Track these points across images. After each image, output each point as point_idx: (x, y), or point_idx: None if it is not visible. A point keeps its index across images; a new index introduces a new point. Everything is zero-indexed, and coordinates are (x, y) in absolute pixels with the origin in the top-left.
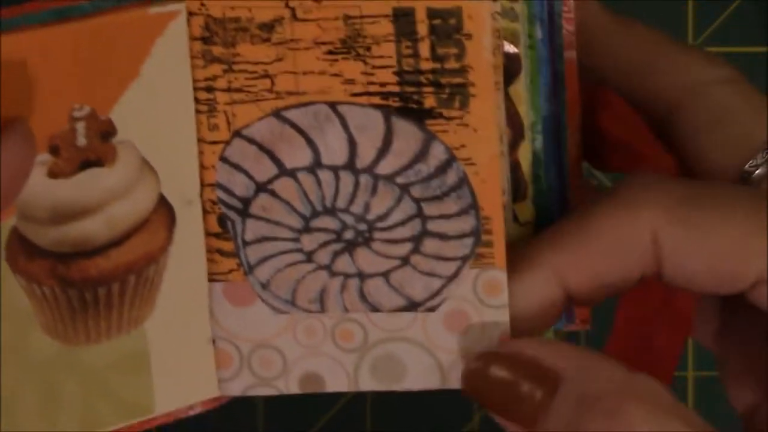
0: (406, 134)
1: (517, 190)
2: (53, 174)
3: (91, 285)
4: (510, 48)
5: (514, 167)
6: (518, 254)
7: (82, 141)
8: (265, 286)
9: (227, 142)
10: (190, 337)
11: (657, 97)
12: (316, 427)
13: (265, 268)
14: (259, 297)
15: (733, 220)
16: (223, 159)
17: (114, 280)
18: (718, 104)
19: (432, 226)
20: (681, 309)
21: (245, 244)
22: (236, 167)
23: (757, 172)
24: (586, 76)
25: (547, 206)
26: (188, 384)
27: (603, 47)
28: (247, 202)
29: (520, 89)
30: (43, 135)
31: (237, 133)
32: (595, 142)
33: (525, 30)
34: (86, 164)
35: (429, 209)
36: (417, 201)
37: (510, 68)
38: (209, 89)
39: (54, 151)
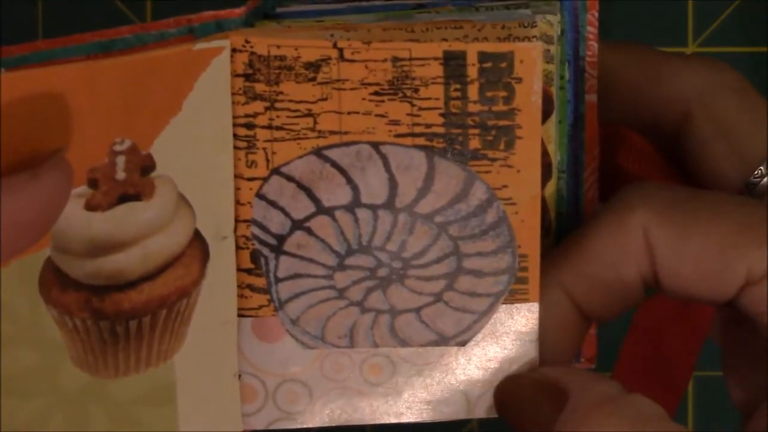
0: (448, 174)
1: (542, 228)
2: (91, 207)
3: (123, 318)
4: (545, 89)
5: (541, 205)
6: None
7: (121, 175)
8: (294, 322)
9: (265, 179)
10: (217, 372)
11: (664, 111)
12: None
13: (296, 305)
14: (288, 332)
15: (720, 222)
16: (260, 196)
17: (146, 313)
18: (724, 114)
19: (468, 263)
20: (700, 311)
21: (277, 280)
22: (273, 204)
23: (762, 182)
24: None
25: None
26: (213, 417)
27: (603, 71)
28: (282, 239)
29: (551, 129)
30: (82, 168)
31: (275, 170)
32: (615, 181)
33: (558, 71)
34: (124, 198)
35: (466, 247)
36: (454, 239)
37: (544, 108)
38: (249, 126)
39: (93, 184)
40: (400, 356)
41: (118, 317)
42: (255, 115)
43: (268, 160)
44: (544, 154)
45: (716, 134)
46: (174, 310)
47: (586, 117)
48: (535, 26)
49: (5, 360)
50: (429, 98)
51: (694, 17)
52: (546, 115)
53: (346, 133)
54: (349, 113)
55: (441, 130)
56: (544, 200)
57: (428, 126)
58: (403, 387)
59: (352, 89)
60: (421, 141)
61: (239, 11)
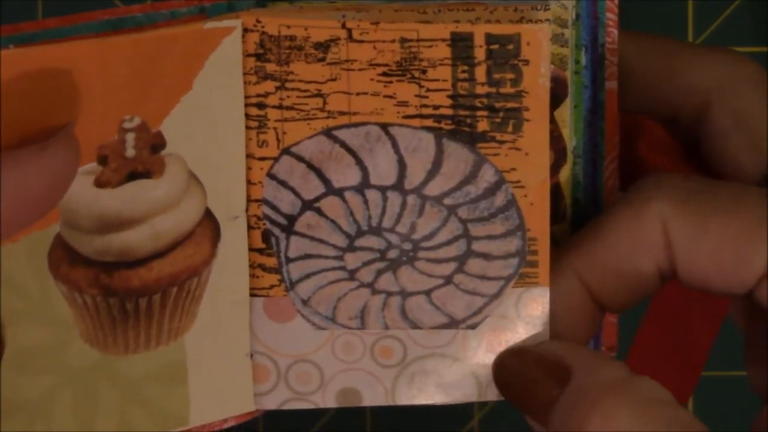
0: (457, 157)
1: (556, 212)
2: (100, 183)
3: (133, 295)
4: (559, 73)
5: (555, 189)
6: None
7: (131, 152)
8: (305, 302)
9: (276, 159)
10: (229, 351)
11: (684, 101)
12: (316, 426)
13: (306, 285)
14: (299, 313)
15: (738, 214)
16: (271, 175)
17: (156, 291)
18: (743, 107)
19: (477, 246)
20: (717, 298)
21: (288, 260)
22: (283, 184)
23: None
24: (624, 104)
25: (582, 224)
26: (224, 397)
27: (622, 60)
28: (292, 219)
29: (565, 114)
30: (92, 144)
31: (286, 150)
32: (634, 171)
33: (573, 55)
34: (134, 175)
35: (475, 230)
36: (464, 222)
37: (557, 92)
38: (260, 105)
39: (102, 160)
40: (411, 338)
41: (128, 294)
42: (266, 94)
43: (278, 140)
44: (559, 138)
45: (735, 126)
46: (184, 289)
47: (606, 104)
48: (548, 9)
49: (14, 335)
50: (437, 80)
51: (694, 17)
52: (560, 100)
53: (355, 113)
54: (357, 94)
55: (449, 111)
56: (558, 185)
57: (436, 107)
58: (414, 369)
59: (360, 70)
60: (429, 122)
61: None
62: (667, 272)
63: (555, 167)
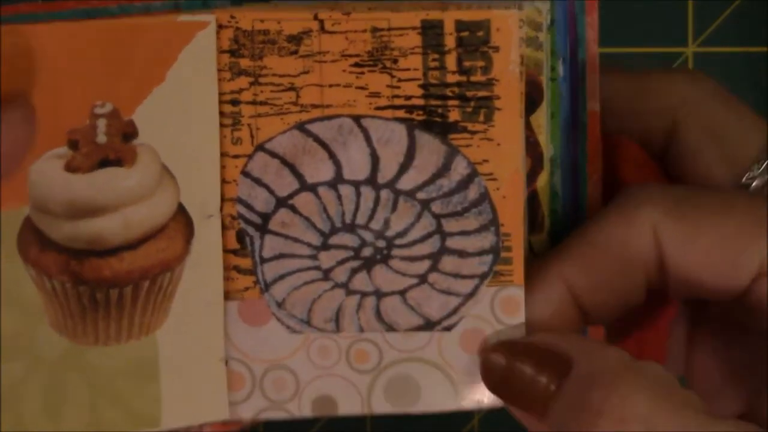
0: (429, 148)
1: (534, 221)
2: (71, 168)
3: (104, 285)
4: (534, 77)
5: (532, 197)
6: (530, 272)
7: (102, 138)
8: (280, 304)
9: (250, 156)
10: (203, 354)
11: (653, 123)
12: (316, 427)
13: (281, 286)
14: (274, 316)
15: (730, 215)
16: (245, 173)
17: (127, 283)
18: (711, 120)
19: (451, 242)
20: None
21: (263, 260)
22: (257, 182)
23: (754, 184)
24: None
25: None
26: (198, 402)
27: None
28: (266, 217)
29: (541, 119)
30: (62, 128)
31: (260, 147)
32: (614, 190)
33: (548, 61)
34: (105, 162)
35: (449, 225)
36: (437, 217)
37: (533, 96)
38: (234, 102)
39: (73, 145)
40: (386, 342)
41: (99, 284)
42: (240, 91)
43: (252, 137)
44: (536, 144)
45: (705, 139)
46: (157, 283)
47: (588, 125)
48: (521, 9)
49: None
50: (408, 69)
51: (694, 17)
52: (535, 104)
53: (327, 106)
54: (330, 86)
55: (420, 102)
56: (536, 192)
57: (408, 98)
58: (390, 375)
59: (333, 61)
60: (401, 113)
61: None
62: (656, 280)
63: (532, 174)
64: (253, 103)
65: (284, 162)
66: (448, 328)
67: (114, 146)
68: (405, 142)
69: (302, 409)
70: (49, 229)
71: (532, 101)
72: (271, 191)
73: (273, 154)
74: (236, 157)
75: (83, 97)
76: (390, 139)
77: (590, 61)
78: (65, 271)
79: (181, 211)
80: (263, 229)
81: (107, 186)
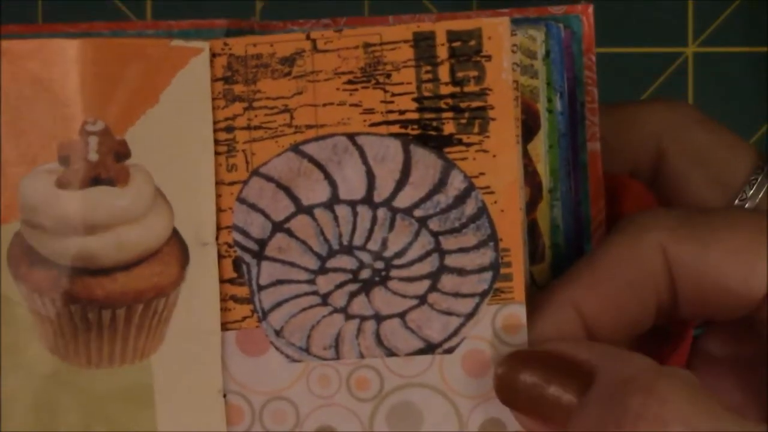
0: (425, 163)
1: (535, 252)
2: (62, 184)
3: (96, 305)
4: (530, 104)
5: (533, 226)
6: (536, 299)
7: (93, 156)
8: (278, 333)
9: (245, 182)
10: (200, 385)
11: (639, 154)
12: None
13: (279, 314)
14: (272, 345)
15: (738, 231)
16: (241, 199)
17: (120, 304)
18: (696, 145)
19: (450, 260)
20: None
21: (260, 288)
22: (253, 207)
23: (746, 206)
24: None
25: None
26: None
27: None
28: (263, 243)
29: (539, 147)
30: (54, 144)
31: (255, 172)
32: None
33: (544, 92)
34: (97, 181)
35: (447, 243)
36: (435, 234)
37: (529, 124)
38: (229, 129)
39: (64, 161)
40: (387, 367)
41: (91, 303)
42: (234, 117)
43: (247, 162)
44: (534, 173)
45: (692, 165)
46: (151, 308)
47: (589, 166)
48: (515, 35)
49: None
50: (401, 83)
51: (694, 17)
52: (532, 132)
53: (322, 126)
54: (324, 105)
55: (415, 115)
56: (536, 222)
57: (402, 112)
58: (392, 402)
59: (326, 80)
60: (395, 129)
61: (221, 22)
62: (666, 304)
63: (531, 204)
64: (248, 128)
65: (279, 185)
66: (450, 351)
67: (106, 165)
68: (400, 158)
69: None
70: (40, 245)
71: (528, 129)
72: (266, 216)
73: (268, 178)
74: (231, 184)
75: (74, 112)
76: (385, 156)
77: (590, 102)
78: (56, 289)
79: (176, 237)
80: (260, 255)
81: (100, 204)
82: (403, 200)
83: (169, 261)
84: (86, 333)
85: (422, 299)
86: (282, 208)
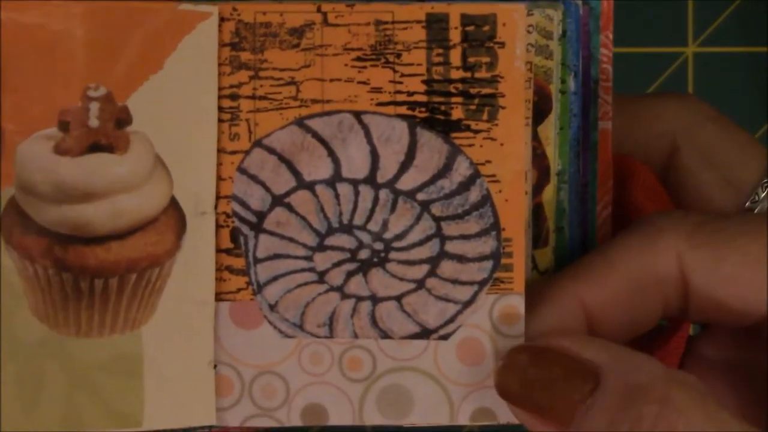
0: (431, 147)
1: (538, 236)
2: (60, 150)
3: (88, 274)
4: (543, 86)
5: (537, 210)
6: (540, 290)
7: (94, 122)
8: (273, 307)
9: (247, 152)
10: (191, 356)
11: (652, 150)
12: (316, 427)
13: (274, 288)
14: (266, 319)
15: (753, 239)
16: (241, 170)
17: (113, 274)
18: (709, 144)
19: (451, 247)
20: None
21: (256, 260)
22: (254, 178)
23: (757, 209)
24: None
25: (569, 260)
26: (183, 405)
27: None
28: (261, 216)
29: (549, 131)
30: (54, 108)
31: (257, 143)
32: (626, 214)
33: (558, 73)
34: (96, 147)
35: (448, 229)
36: (437, 219)
37: (541, 107)
38: (233, 96)
39: (63, 126)
40: (380, 349)
41: (83, 272)
42: (239, 85)
43: (250, 132)
44: (543, 156)
45: (705, 164)
46: (144, 278)
47: (599, 145)
48: (531, 15)
49: None
50: (411, 64)
51: (694, 17)
52: (543, 114)
53: (328, 101)
54: (331, 80)
55: (423, 98)
56: (541, 206)
57: (410, 94)
58: (383, 385)
59: (335, 55)
60: (403, 110)
61: None
62: (674, 305)
63: (538, 187)
64: (253, 97)
65: (282, 159)
66: (445, 337)
67: (106, 131)
68: (406, 140)
69: (291, 417)
70: (34, 211)
71: (539, 111)
72: (267, 189)
73: (271, 150)
74: (233, 153)
75: (76, 77)
76: (391, 136)
77: (604, 80)
78: (48, 256)
79: (174, 206)
80: (258, 228)
81: (97, 172)
82: (406, 183)
83: (164, 230)
84: (77, 302)
85: (420, 284)
86: (283, 182)
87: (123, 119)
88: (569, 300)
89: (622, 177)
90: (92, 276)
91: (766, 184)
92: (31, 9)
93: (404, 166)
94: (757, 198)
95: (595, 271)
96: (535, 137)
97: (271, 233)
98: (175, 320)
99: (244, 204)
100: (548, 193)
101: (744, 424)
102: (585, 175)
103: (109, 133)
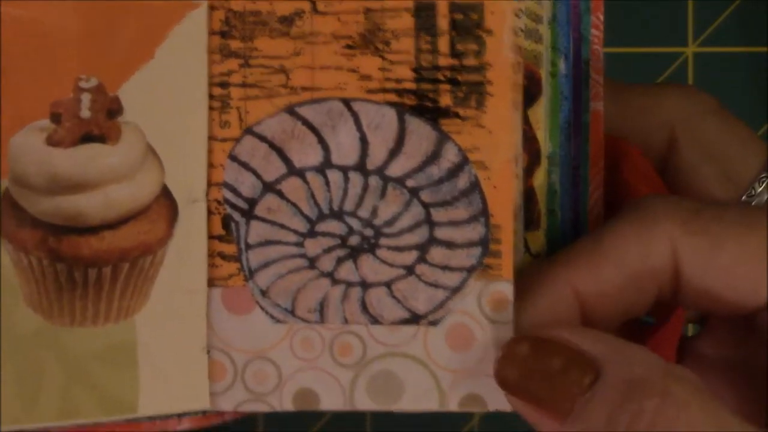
0: (419, 134)
1: (530, 219)
2: (52, 142)
3: (82, 264)
4: (533, 70)
5: (529, 193)
6: (531, 275)
7: (86, 113)
8: (264, 292)
9: (237, 140)
10: (184, 342)
11: (650, 140)
12: (316, 427)
13: (266, 274)
14: (257, 304)
15: (752, 230)
16: (232, 157)
17: (106, 263)
18: (708, 137)
19: (440, 233)
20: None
21: (248, 247)
22: (245, 166)
23: (754, 203)
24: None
25: (561, 242)
26: (177, 390)
27: None
28: (253, 202)
29: (539, 113)
30: (45, 100)
31: (248, 130)
32: (618, 194)
33: (548, 56)
34: (88, 138)
35: (438, 215)
36: (426, 206)
37: (531, 91)
38: (224, 85)
39: (55, 118)
40: (371, 335)
41: (77, 262)
42: (229, 73)
43: (241, 120)
44: (533, 139)
45: (703, 157)
46: (137, 266)
47: (591, 126)
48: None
49: None
50: (400, 51)
51: (694, 17)
52: (533, 98)
53: (318, 89)
54: (321, 68)
55: (412, 85)
56: (532, 189)
57: (399, 81)
58: (374, 370)
59: (324, 43)
60: (392, 97)
61: None
62: (668, 293)
63: (529, 170)
64: (243, 85)
65: (272, 146)
66: (434, 323)
67: (98, 122)
68: (395, 126)
69: (283, 402)
70: (28, 203)
71: (529, 95)
72: (258, 175)
73: (261, 138)
74: (224, 140)
75: (68, 69)
76: (380, 123)
77: (594, 61)
78: (42, 247)
79: (166, 194)
80: (249, 214)
81: (89, 162)
82: (395, 169)
83: (156, 219)
84: (71, 292)
85: (410, 270)
86: (273, 169)
87: (114, 109)
88: (562, 287)
89: (614, 158)
90: (86, 266)
91: (763, 179)
92: (23, 2)
93: (393, 153)
94: (753, 192)
95: (589, 258)
96: (526, 121)
97: (263, 220)
98: (168, 308)
99: (235, 191)
100: (539, 176)
101: (743, 422)
102: (577, 158)
103: (101, 123)
